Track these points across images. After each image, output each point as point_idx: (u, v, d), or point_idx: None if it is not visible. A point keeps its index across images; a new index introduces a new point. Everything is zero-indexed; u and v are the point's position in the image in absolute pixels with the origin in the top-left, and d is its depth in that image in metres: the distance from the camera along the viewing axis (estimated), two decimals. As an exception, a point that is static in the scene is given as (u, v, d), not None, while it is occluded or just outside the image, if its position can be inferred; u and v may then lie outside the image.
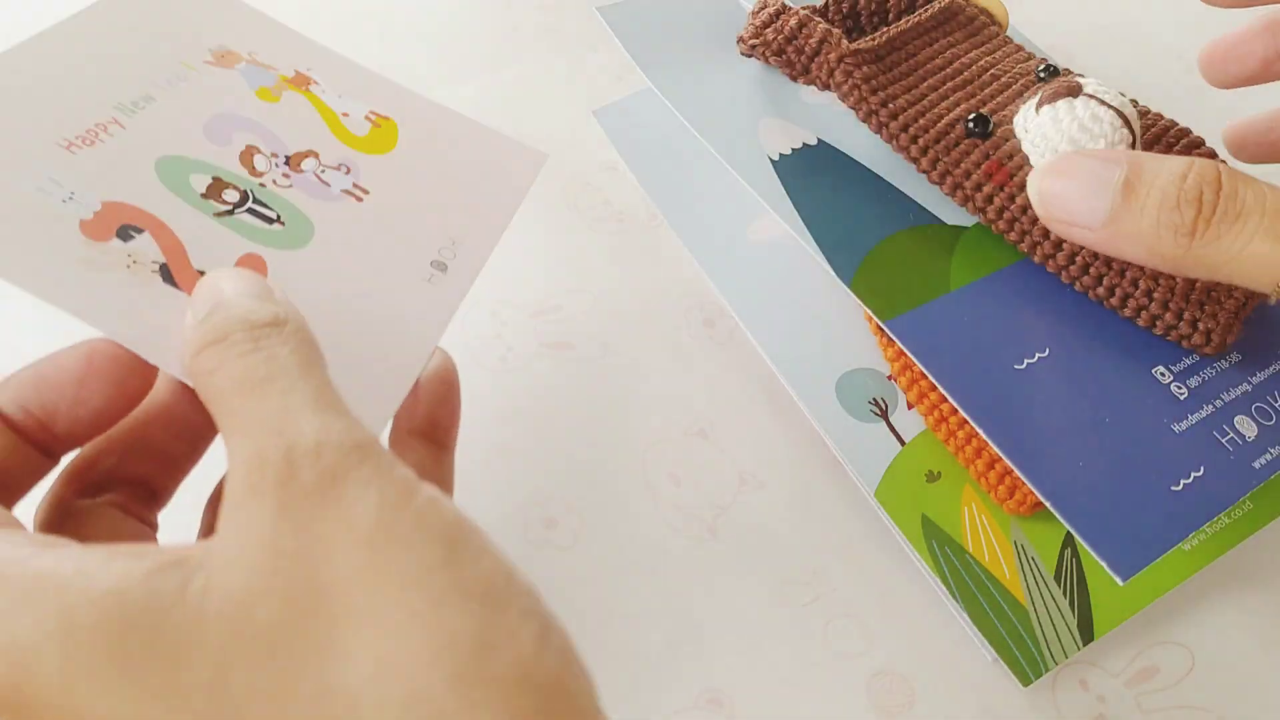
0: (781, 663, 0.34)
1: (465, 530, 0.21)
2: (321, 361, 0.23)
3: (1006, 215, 0.35)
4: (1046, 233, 0.35)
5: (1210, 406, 0.33)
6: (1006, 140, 0.36)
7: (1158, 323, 0.34)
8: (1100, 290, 0.34)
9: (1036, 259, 0.35)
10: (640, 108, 0.43)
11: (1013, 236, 0.35)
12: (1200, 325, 0.34)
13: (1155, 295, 0.34)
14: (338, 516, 0.20)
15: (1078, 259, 0.34)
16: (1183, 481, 0.31)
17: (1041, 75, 0.38)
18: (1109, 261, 0.34)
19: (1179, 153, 0.37)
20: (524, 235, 0.43)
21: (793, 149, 0.36)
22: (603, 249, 0.43)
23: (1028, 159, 0.35)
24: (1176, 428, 0.32)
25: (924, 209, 0.36)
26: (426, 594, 0.19)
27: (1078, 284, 0.35)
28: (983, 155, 0.36)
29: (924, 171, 0.36)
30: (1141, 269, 0.34)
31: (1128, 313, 0.34)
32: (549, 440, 0.38)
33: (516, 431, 0.38)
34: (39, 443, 0.25)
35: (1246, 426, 0.33)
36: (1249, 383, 0.34)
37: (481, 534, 0.21)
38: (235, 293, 0.24)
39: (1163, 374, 0.33)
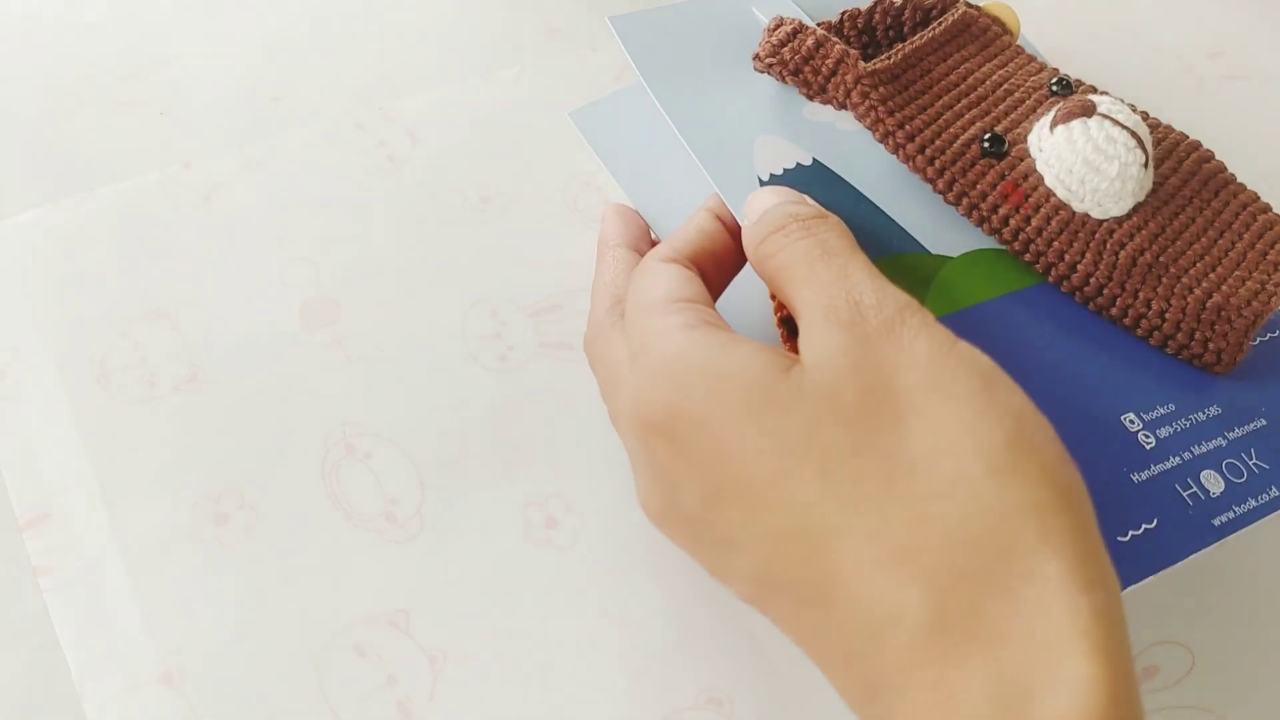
0: (781, 663, 0.34)
1: (996, 370, 0.27)
2: (858, 247, 0.31)
3: (1022, 237, 0.35)
4: (1061, 254, 0.35)
5: (1177, 458, 0.33)
6: (1021, 160, 0.36)
7: (1169, 342, 0.35)
8: (1114, 310, 0.35)
9: (1051, 279, 0.35)
10: (621, 107, 0.42)
11: (1028, 258, 0.35)
12: (1211, 344, 0.34)
13: (1167, 315, 0.34)
14: (899, 349, 0.27)
15: (1092, 280, 0.35)
16: (1131, 533, 0.31)
17: (1055, 89, 0.38)
18: (1122, 283, 0.35)
19: (1189, 166, 0.37)
20: (524, 235, 0.43)
21: (785, 169, 0.36)
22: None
23: (1043, 179, 0.36)
24: (1136, 477, 0.32)
25: (910, 236, 0.35)
26: (970, 409, 0.26)
27: (1091, 304, 0.35)
28: (998, 176, 0.36)
29: (940, 192, 0.36)
30: (1154, 290, 0.34)
31: (1140, 332, 0.35)
32: (549, 440, 0.38)
33: (516, 430, 0.38)
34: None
35: (1213, 482, 0.32)
36: (1224, 437, 0.33)
37: (1008, 377, 0.27)
38: (777, 200, 0.33)
39: (1132, 421, 0.33)
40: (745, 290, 0.36)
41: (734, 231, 0.35)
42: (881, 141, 0.37)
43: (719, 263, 0.34)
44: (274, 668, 0.33)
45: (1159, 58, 0.52)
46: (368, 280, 0.41)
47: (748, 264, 0.34)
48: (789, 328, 0.34)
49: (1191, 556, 0.31)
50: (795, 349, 0.34)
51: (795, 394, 0.27)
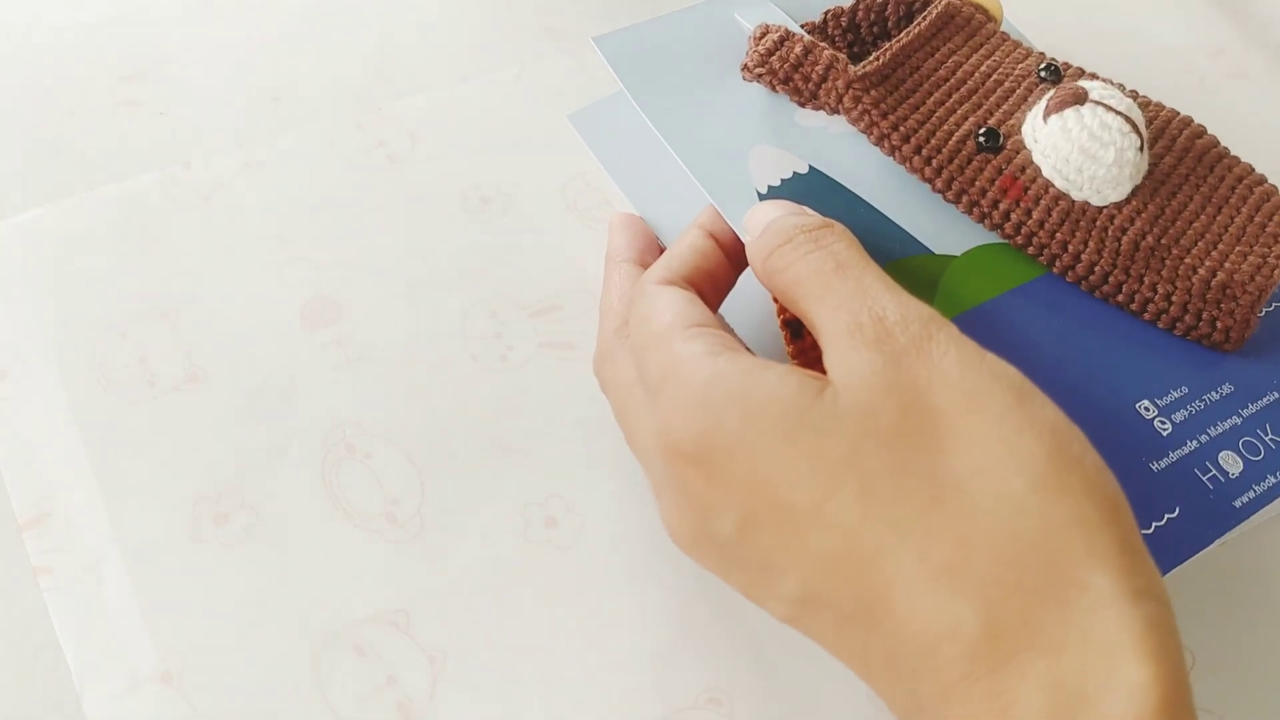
0: (781, 663, 0.34)
1: (1027, 384, 0.27)
2: (869, 256, 0.31)
3: (1024, 230, 0.35)
4: (1064, 244, 0.35)
5: (1195, 442, 0.33)
6: (1018, 152, 0.36)
7: (1177, 324, 0.35)
8: (1120, 297, 0.35)
9: (1055, 270, 0.35)
10: (620, 109, 0.40)
11: (1031, 250, 0.35)
12: (1219, 323, 0.34)
13: (1174, 298, 0.34)
14: (930, 366, 0.27)
15: (1097, 269, 0.35)
16: (1154, 524, 0.31)
17: (1043, 75, 0.38)
18: (1127, 268, 0.35)
19: (1182, 144, 0.37)
20: (525, 233, 0.43)
21: (782, 179, 0.36)
22: (602, 249, 0.43)
23: (1040, 170, 0.36)
24: (1155, 466, 0.32)
25: (912, 238, 0.35)
26: (1008, 425, 0.26)
27: (1097, 292, 0.35)
28: (996, 170, 0.36)
29: (939, 191, 0.36)
30: (1158, 273, 0.35)
31: (1147, 316, 0.35)
32: (549, 440, 0.38)
33: (516, 430, 0.38)
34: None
35: (1231, 463, 0.33)
36: (1239, 415, 0.34)
37: (1038, 389, 0.28)
38: (780, 213, 0.33)
39: (1147, 409, 0.33)
40: (745, 290, 0.36)
41: (727, 248, 0.35)
42: (877, 144, 0.37)
43: (714, 282, 0.34)
44: (274, 667, 0.33)
45: (1160, 57, 0.52)
46: (368, 280, 0.41)
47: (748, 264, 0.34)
48: (792, 330, 0.34)
49: (1207, 548, 0.31)
50: (799, 351, 0.34)
51: (831, 417, 0.27)
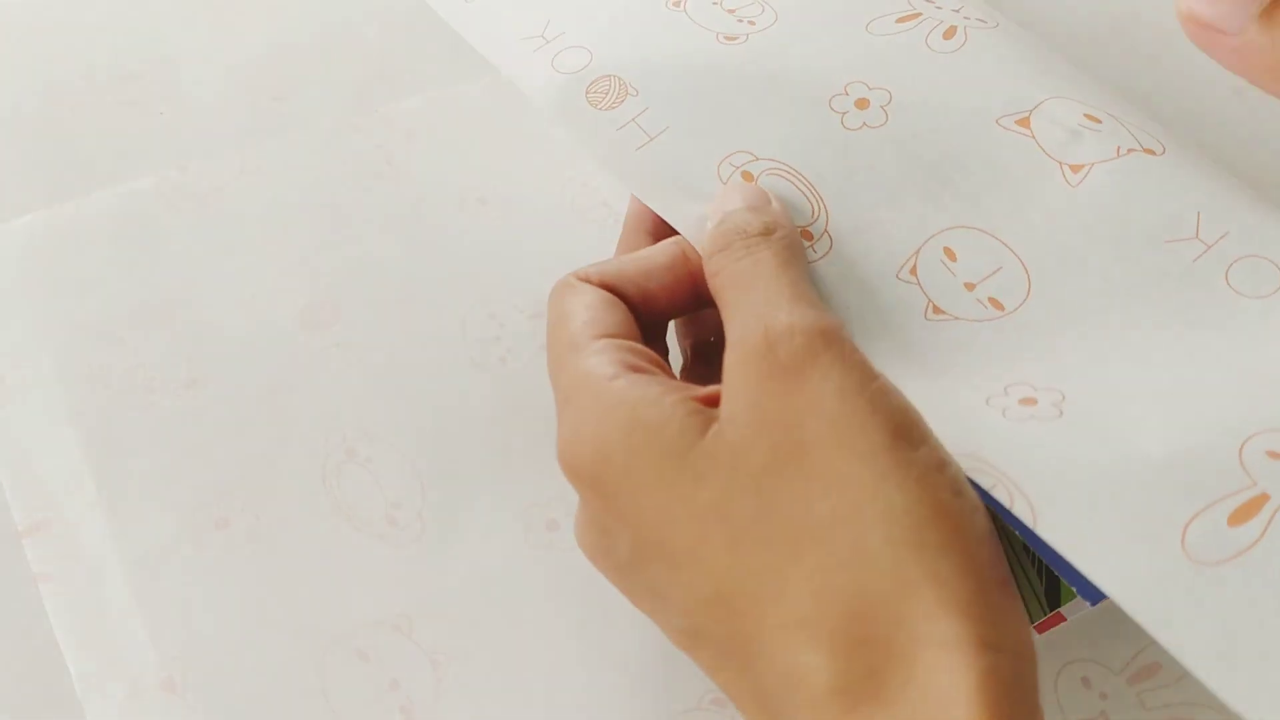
0: (784, 664, 0.34)
1: (909, 417, 0.26)
2: (802, 261, 0.30)
3: None
4: None
5: None
6: None
7: None
8: None
9: None
10: None
11: None
12: None
13: None
14: (807, 394, 0.26)
15: None
16: None
17: None
18: None
19: None
20: (524, 235, 0.43)
21: None
22: (602, 250, 0.43)
23: None
24: None
25: None
26: (875, 470, 0.25)
27: None
28: None
29: None
30: None
31: None
32: (549, 441, 0.38)
33: (516, 432, 0.38)
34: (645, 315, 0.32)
35: None
36: None
37: (923, 422, 0.26)
38: (738, 205, 0.31)
39: None
40: None
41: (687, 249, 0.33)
42: None
43: (664, 285, 0.32)
44: (277, 672, 0.33)
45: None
46: (367, 283, 0.41)
47: None
48: None
49: None
50: None
51: (708, 460, 0.26)
